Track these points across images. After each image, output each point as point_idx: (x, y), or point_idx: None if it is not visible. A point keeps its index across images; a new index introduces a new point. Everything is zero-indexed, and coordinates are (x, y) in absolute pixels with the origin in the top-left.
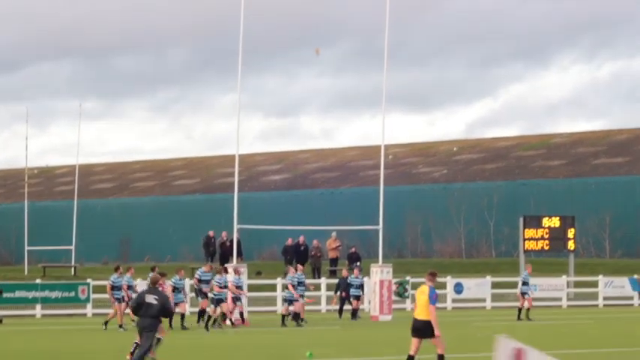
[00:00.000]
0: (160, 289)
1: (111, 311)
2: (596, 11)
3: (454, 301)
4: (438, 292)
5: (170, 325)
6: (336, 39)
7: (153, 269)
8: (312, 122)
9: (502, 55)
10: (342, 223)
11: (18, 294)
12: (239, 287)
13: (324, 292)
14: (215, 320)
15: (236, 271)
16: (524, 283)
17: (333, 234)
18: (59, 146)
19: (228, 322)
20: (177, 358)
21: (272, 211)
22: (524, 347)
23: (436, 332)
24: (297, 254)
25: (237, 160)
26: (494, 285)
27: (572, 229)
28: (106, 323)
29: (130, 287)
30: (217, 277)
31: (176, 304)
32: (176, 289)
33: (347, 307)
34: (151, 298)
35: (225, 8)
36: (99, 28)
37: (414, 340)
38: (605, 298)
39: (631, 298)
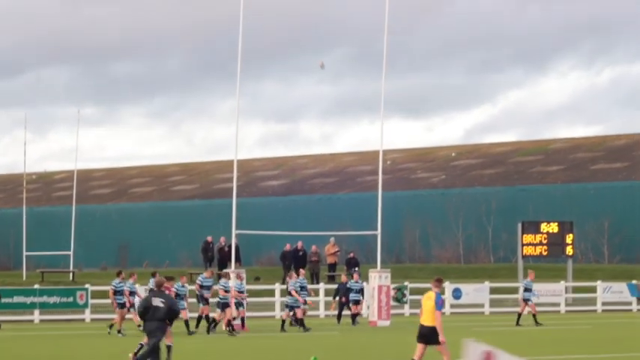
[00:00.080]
0: (167, 292)
1: (115, 316)
2: (595, 17)
3: (452, 306)
4: None
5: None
6: (335, 45)
7: (154, 275)
8: (310, 128)
9: (500, 61)
10: (340, 228)
11: (16, 299)
12: (241, 292)
13: (322, 298)
14: (217, 324)
15: (238, 277)
16: (527, 290)
17: (332, 239)
18: (58, 152)
19: (225, 327)
20: None
21: (270, 217)
22: (493, 350)
23: (441, 338)
24: (295, 260)
25: (235, 165)
26: (493, 290)
27: (571, 235)
28: (110, 327)
29: (132, 293)
30: (222, 280)
31: None
32: (178, 296)
33: (345, 312)
34: (157, 302)
35: (224, 14)
36: (97, 34)
37: (419, 346)
38: (603, 304)
39: (629, 303)
